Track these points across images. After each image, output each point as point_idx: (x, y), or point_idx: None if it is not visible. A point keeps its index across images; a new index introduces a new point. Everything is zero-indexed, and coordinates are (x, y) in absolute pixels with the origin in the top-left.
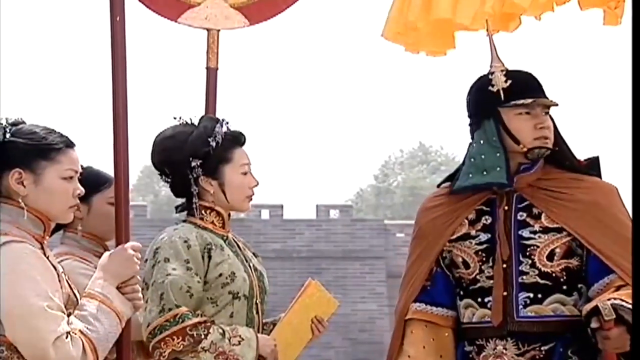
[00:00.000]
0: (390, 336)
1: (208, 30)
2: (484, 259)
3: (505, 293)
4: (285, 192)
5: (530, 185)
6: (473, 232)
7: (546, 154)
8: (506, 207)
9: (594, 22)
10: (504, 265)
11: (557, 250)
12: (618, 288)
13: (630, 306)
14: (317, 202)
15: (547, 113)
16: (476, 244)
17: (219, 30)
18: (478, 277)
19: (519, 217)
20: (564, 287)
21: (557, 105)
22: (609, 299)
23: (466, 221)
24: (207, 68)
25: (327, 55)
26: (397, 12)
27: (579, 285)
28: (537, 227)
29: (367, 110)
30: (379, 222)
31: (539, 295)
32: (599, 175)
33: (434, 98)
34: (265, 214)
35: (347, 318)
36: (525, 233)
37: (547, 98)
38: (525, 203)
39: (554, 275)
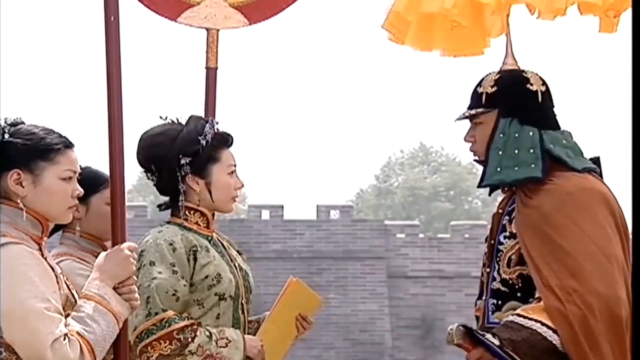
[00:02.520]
0: (391, 337)
1: (207, 29)
2: (485, 261)
3: (484, 298)
4: (285, 193)
5: (528, 188)
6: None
7: (482, 164)
8: (500, 210)
9: (594, 23)
10: (488, 270)
11: (513, 257)
12: (540, 300)
13: (521, 320)
14: (317, 203)
15: (478, 123)
16: (486, 246)
17: (218, 30)
18: (482, 279)
19: (503, 221)
20: (519, 295)
21: (465, 117)
22: (513, 314)
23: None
24: (207, 68)
25: (327, 55)
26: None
27: (535, 292)
28: (508, 232)
29: (368, 110)
30: (379, 223)
31: (499, 302)
32: (600, 174)
33: (434, 98)
34: (265, 215)
35: (348, 319)
36: (501, 238)
37: (471, 108)
38: (513, 206)
39: (510, 282)
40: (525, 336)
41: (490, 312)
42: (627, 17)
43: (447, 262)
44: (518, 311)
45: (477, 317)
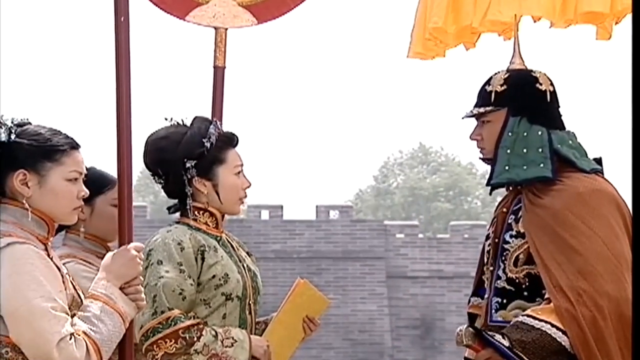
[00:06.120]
0: (390, 337)
1: (216, 28)
2: (487, 260)
3: (486, 296)
4: (285, 193)
5: (536, 188)
6: (490, 232)
7: (488, 163)
8: (505, 209)
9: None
10: (491, 268)
11: (521, 256)
12: (549, 300)
13: (531, 321)
14: (316, 203)
15: (486, 121)
16: (488, 244)
17: (226, 29)
18: (483, 277)
19: (509, 220)
20: (525, 294)
21: (473, 115)
22: (522, 315)
23: (495, 220)
24: (215, 67)
25: (330, 56)
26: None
27: (543, 291)
28: (514, 231)
29: (367, 110)
30: (378, 223)
31: (504, 301)
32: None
33: (434, 99)
34: (265, 215)
35: (347, 319)
36: (507, 236)
37: (479, 107)
38: (519, 205)
39: (517, 281)
40: (535, 337)
41: (493, 310)
42: (625, 21)
43: (447, 262)
44: (528, 312)
45: (470, 314)
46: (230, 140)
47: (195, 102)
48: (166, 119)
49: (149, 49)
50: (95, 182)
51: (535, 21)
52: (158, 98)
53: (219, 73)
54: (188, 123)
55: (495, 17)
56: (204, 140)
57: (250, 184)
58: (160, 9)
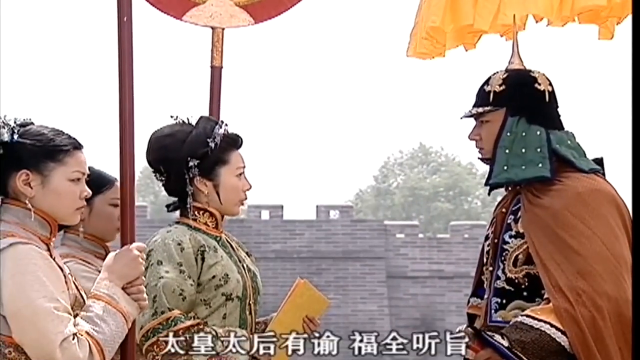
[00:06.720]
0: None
1: (213, 28)
2: (486, 260)
3: (486, 296)
4: (285, 193)
5: (535, 188)
6: (490, 232)
7: (487, 163)
8: (504, 209)
9: (594, 27)
10: (490, 268)
11: (520, 256)
12: (549, 300)
13: (530, 321)
14: (317, 203)
15: (485, 121)
16: (487, 244)
17: (223, 29)
18: (483, 278)
19: (508, 220)
20: (525, 294)
21: (472, 115)
22: (522, 315)
23: (494, 221)
24: (212, 66)
25: (329, 55)
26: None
27: (543, 292)
28: (514, 232)
29: (367, 110)
30: (379, 223)
31: (504, 301)
32: (603, 175)
33: (434, 99)
34: (265, 215)
35: (347, 319)
36: (506, 237)
37: (478, 106)
38: (518, 205)
39: (516, 281)
40: (535, 337)
41: (493, 311)
42: (625, 21)
43: (447, 262)
44: (527, 312)
45: (469, 315)
46: (234, 142)
47: (193, 102)
48: (172, 117)
49: (146, 49)
50: (94, 181)
51: (537, 21)
52: (156, 98)
53: (216, 73)
54: (192, 122)
55: (503, 22)
56: (208, 140)
57: (250, 187)
58: (157, 9)
